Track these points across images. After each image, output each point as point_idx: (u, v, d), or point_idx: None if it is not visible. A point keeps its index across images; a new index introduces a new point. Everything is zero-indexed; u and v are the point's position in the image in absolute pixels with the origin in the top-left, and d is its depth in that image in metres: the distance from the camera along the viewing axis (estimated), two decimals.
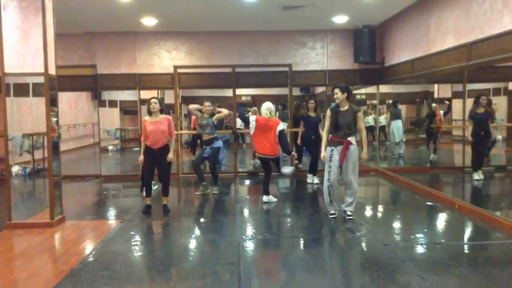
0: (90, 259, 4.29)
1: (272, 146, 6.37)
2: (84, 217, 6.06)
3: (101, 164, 9.59)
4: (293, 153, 6.60)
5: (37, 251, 4.63)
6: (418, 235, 4.98)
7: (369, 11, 7.98)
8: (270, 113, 6.50)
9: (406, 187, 7.77)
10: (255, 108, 8.04)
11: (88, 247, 4.72)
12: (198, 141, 8.76)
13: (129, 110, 11.73)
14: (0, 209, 5.97)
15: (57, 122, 5.97)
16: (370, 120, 11.40)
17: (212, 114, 7.08)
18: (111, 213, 6.58)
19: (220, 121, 7.53)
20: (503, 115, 7.97)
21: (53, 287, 3.61)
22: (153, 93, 9.08)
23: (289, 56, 9.43)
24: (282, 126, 6.49)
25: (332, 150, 5.41)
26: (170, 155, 5.97)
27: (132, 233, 5.22)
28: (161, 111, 5.96)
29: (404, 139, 10.37)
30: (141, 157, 5.96)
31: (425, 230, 5.34)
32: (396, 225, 5.73)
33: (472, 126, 7.07)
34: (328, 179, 5.45)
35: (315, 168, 8.11)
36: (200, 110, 7.15)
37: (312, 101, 8.13)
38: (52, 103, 5.56)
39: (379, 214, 6.37)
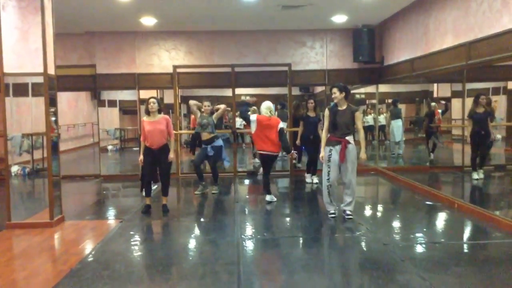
0: (90, 259, 4.29)
1: (274, 144, 6.40)
2: (84, 217, 6.06)
3: (100, 164, 9.59)
4: (292, 151, 6.61)
5: (37, 251, 4.63)
6: (417, 235, 4.98)
7: (368, 10, 7.98)
8: (270, 112, 6.52)
9: (405, 186, 7.77)
10: (255, 107, 8.05)
11: (88, 247, 4.72)
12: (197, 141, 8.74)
13: (128, 110, 11.72)
14: None
15: (55, 121, 5.97)
16: (369, 119, 11.40)
17: (211, 113, 7.10)
18: (111, 213, 6.59)
19: (219, 119, 7.52)
20: (502, 114, 7.97)
21: (52, 287, 3.62)
22: (153, 92, 9.09)
23: (288, 55, 9.43)
24: (282, 124, 6.53)
25: (331, 149, 5.42)
26: (171, 155, 5.98)
27: (131, 233, 5.22)
28: (159, 111, 5.96)
29: (403, 139, 10.37)
30: (141, 157, 5.97)
31: (425, 229, 5.35)
32: (396, 224, 5.73)
33: (471, 125, 7.07)
34: (328, 179, 5.45)
35: (314, 167, 8.11)
36: (199, 109, 7.16)
37: (312, 100, 8.13)
38: (52, 103, 5.56)
39: (379, 214, 6.38)
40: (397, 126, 10.12)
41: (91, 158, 11.89)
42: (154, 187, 6.56)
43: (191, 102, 7.28)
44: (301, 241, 4.88)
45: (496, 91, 8.00)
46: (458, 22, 6.27)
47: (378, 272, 3.79)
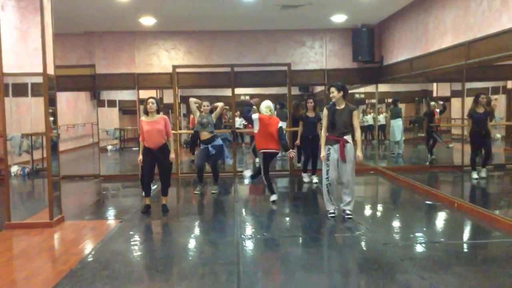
0: (90, 259, 4.29)
1: (276, 141, 6.46)
2: (83, 217, 6.06)
3: (100, 164, 9.58)
4: (290, 150, 6.63)
5: (37, 251, 4.63)
6: (417, 234, 4.98)
7: (367, 10, 7.98)
8: (270, 111, 6.55)
9: (405, 186, 7.77)
10: (255, 107, 8.05)
11: (88, 247, 4.72)
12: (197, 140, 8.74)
13: (128, 110, 11.71)
14: None
15: (54, 121, 5.95)
16: (369, 119, 11.41)
17: (210, 111, 7.11)
18: (110, 213, 6.58)
19: (218, 119, 7.52)
20: (502, 114, 7.98)
21: (52, 287, 3.61)
22: (152, 92, 9.08)
23: (288, 55, 9.43)
24: (281, 123, 6.59)
25: (329, 149, 5.43)
26: (172, 155, 5.98)
27: (131, 233, 5.22)
28: (158, 111, 5.96)
29: (403, 138, 10.37)
30: (140, 157, 5.96)
31: (424, 229, 5.35)
32: (395, 224, 5.73)
33: (471, 125, 7.08)
34: (327, 178, 5.47)
35: (314, 167, 8.11)
36: (198, 108, 7.15)
37: (311, 100, 8.13)
38: (51, 103, 5.56)
39: (378, 213, 6.38)
40: (397, 126, 10.12)
41: (90, 158, 11.88)
42: (153, 187, 6.56)
43: (191, 99, 7.25)
44: (301, 241, 4.88)
45: (495, 91, 8.01)
46: (458, 22, 6.27)
47: (377, 271, 3.79)
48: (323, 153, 5.49)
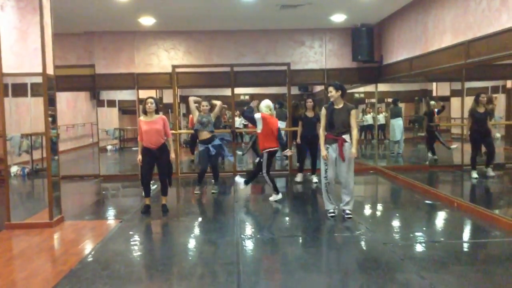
0: (89, 259, 4.29)
1: (276, 139, 6.54)
2: (83, 217, 6.05)
3: (100, 164, 9.58)
4: (288, 149, 6.65)
5: (36, 252, 4.63)
6: (417, 234, 4.98)
7: (367, 9, 7.98)
8: (270, 110, 6.58)
9: (405, 185, 7.78)
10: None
11: (87, 247, 4.72)
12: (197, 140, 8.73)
13: (127, 110, 11.73)
14: None
15: (53, 121, 5.94)
16: (368, 118, 11.41)
17: (210, 110, 7.12)
18: (110, 213, 6.58)
19: (217, 118, 7.52)
20: (501, 113, 7.98)
21: (52, 287, 3.61)
22: (152, 92, 9.08)
23: (287, 55, 9.42)
24: (279, 124, 6.68)
25: (328, 148, 5.44)
26: (172, 155, 5.99)
27: (131, 233, 5.22)
28: (157, 111, 5.96)
29: (403, 138, 10.38)
30: (139, 157, 5.96)
31: (424, 228, 5.35)
32: (395, 223, 5.73)
33: (471, 123, 7.08)
34: (325, 177, 5.47)
35: (314, 166, 8.12)
36: (197, 109, 7.15)
37: (310, 100, 8.12)
38: (50, 103, 5.55)
39: (378, 213, 6.38)
40: (398, 125, 10.12)
41: (90, 158, 11.89)
42: (153, 187, 6.56)
43: (191, 98, 7.24)
44: (300, 241, 4.88)
45: (495, 90, 8.01)
46: (457, 21, 6.27)
47: (377, 271, 3.79)
48: (323, 153, 5.49)
